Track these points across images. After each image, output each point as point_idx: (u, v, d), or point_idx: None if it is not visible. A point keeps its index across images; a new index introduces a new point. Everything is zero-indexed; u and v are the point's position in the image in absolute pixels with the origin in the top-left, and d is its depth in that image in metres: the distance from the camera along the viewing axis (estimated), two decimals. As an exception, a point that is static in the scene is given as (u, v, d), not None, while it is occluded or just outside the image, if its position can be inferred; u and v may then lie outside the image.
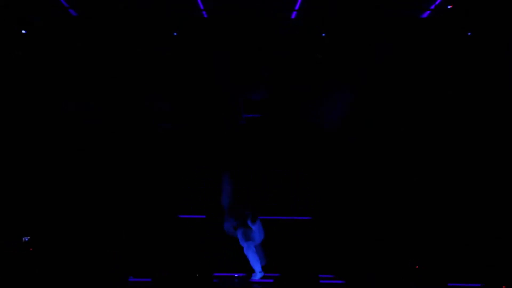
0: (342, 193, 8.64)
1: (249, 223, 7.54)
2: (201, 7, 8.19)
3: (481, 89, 8.35)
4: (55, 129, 8.47)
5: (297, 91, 8.92)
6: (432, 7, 8.08)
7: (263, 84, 8.80)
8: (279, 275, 6.63)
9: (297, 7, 8.16)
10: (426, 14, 8.22)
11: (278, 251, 7.91)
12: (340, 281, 7.39)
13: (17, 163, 8.34)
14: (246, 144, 8.88)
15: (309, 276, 6.68)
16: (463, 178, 8.28)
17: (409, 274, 7.24)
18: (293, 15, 8.34)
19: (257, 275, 7.57)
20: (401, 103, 8.67)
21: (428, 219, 8.13)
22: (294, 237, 8.22)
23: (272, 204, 8.63)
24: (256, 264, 7.59)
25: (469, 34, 8.31)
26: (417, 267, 7.37)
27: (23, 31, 8.07)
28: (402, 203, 8.28)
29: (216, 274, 7.63)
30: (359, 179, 8.59)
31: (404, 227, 8.06)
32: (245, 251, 7.61)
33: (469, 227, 8.07)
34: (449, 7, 8.04)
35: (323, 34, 8.52)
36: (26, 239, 7.28)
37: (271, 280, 7.44)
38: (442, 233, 8.02)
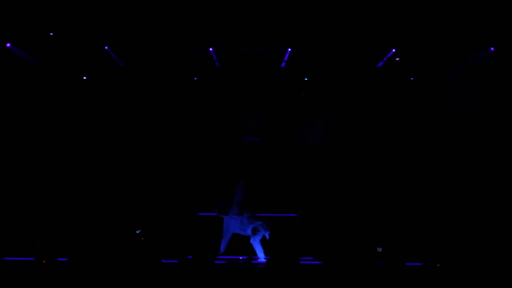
0: (321, 196, 9.97)
1: (260, 228, 8.88)
2: (215, 58, 9.93)
3: (420, 115, 10.04)
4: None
5: (287, 120, 10.44)
6: (385, 59, 9.74)
7: (260, 115, 10.38)
8: (269, 258, 8.15)
9: (285, 58, 9.84)
10: (380, 64, 9.92)
11: (272, 240, 8.98)
12: (318, 262, 8.80)
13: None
14: (247, 159, 10.28)
15: (292, 258, 8.53)
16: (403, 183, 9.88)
17: (372, 256, 8.54)
18: (283, 64, 10.00)
19: (261, 259, 8.94)
20: (365, 128, 10.26)
21: (381, 215, 9.60)
22: (283, 230, 9.51)
23: (267, 205, 9.88)
24: (260, 251, 8.98)
25: (412, 79, 10.07)
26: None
27: (85, 78, 9.89)
28: (363, 206, 9.73)
29: (225, 257, 8.98)
30: (333, 185, 9.99)
31: (366, 221, 9.56)
32: (252, 241, 8.95)
33: (412, 219, 9.53)
34: (397, 59, 9.74)
35: (306, 79, 10.21)
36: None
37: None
38: (393, 223, 9.48)
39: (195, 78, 10.21)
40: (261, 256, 9.02)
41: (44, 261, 8.70)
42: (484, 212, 9.39)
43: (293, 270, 8.21)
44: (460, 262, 8.79)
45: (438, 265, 8.81)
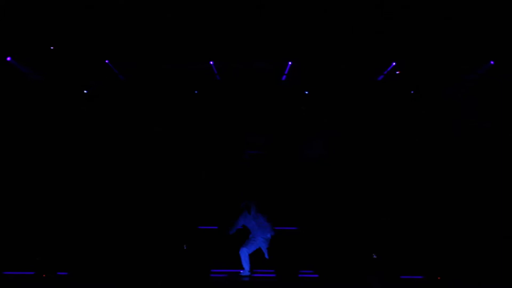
0: (322, 209, 9.94)
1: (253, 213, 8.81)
2: (215, 71, 10.02)
3: (419, 125, 10.13)
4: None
5: (288, 133, 10.42)
6: (385, 72, 9.83)
7: (261, 128, 10.40)
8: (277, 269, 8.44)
9: (286, 72, 9.93)
10: (380, 77, 9.98)
11: (275, 252, 9.03)
12: (316, 275, 8.93)
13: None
14: (249, 174, 10.37)
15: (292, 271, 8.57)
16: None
17: (369, 269, 8.79)
18: (283, 77, 10.11)
19: (246, 273, 8.79)
20: (366, 141, 10.25)
21: (380, 226, 9.56)
22: (285, 242, 9.34)
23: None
24: (246, 263, 8.80)
25: (411, 92, 10.10)
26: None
27: (85, 91, 9.91)
28: (359, 221, 9.68)
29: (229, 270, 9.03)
30: (334, 198, 9.99)
31: (362, 235, 9.48)
32: (240, 251, 8.80)
33: (411, 230, 9.47)
34: (397, 72, 9.81)
35: (306, 92, 10.27)
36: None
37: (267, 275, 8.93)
38: (391, 236, 9.41)
39: (196, 92, 10.26)
40: (246, 268, 8.90)
41: (44, 275, 8.76)
42: (487, 224, 9.43)
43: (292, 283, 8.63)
44: (462, 274, 8.79)
45: (439, 278, 8.88)
